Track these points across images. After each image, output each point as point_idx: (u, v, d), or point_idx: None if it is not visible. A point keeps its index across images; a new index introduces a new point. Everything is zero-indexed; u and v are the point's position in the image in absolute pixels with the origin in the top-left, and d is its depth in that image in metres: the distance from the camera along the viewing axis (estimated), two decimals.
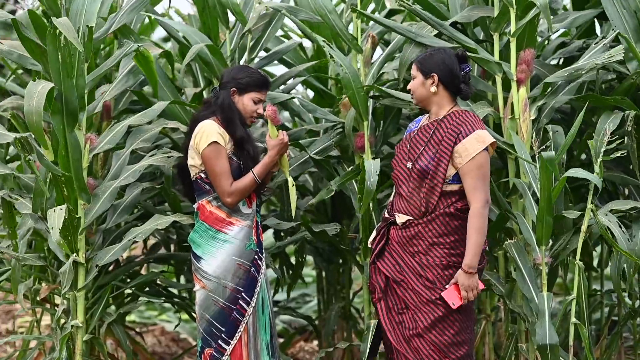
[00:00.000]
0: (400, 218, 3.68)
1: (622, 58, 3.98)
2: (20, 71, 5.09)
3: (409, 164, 3.67)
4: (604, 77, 4.48)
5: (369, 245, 3.85)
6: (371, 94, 4.36)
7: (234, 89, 3.85)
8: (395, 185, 3.76)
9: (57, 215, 3.87)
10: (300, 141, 4.50)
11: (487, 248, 3.79)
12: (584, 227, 3.87)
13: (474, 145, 3.59)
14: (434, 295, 3.62)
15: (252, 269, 3.86)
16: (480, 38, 4.48)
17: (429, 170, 3.62)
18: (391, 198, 3.84)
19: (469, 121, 3.64)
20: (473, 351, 3.75)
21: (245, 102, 3.86)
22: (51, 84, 3.87)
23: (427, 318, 3.63)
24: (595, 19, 4.72)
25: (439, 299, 3.61)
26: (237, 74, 3.87)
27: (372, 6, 5.34)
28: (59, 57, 3.89)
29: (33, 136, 3.88)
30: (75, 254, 4.14)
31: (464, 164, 3.59)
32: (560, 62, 4.70)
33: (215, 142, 3.78)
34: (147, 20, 5.00)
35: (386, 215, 3.78)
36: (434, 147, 3.64)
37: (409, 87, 3.73)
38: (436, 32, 4.28)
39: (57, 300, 4.64)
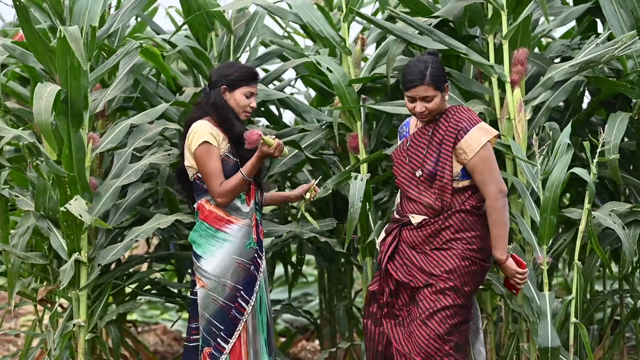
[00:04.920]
0: (416, 218, 3.66)
1: None
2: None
3: (418, 173, 3.64)
4: (599, 72, 4.46)
5: (377, 247, 3.83)
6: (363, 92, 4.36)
7: (224, 86, 3.85)
8: (402, 189, 3.72)
9: (77, 205, 3.95)
10: (292, 137, 4.49)
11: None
12: (581, 227, 3.87)
13: (477, 139, 3.57)
14: (444, 285, 3.59)
15: (252, 267, 3.86)
16: (477, 34, 4.46)
17: (436, 172, 3.60)
18: (398, 199, 3.82)
19: (466, 117, 3.62)
20: (466, 345, 3.71)
21: (237, 97, 3.86)
22: (58, 87, 3.89)
23: (431, 305, 3.60)
24: (599, 20, 4.72)
25: (448, 289, 3.59)
26: (226, 71, 3.87)
27: (371, 8, 5.34)
28: (67, 61, 3.90)
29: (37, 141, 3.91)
30: (77, 253, 4.15)
31: (469, 160, 3.57)
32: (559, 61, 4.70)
33: (207, 142, 3.78)
34: (133, 21, 5.02)
35: (397, 216, 3.75)
36: (436, 148, 3.62)
37: (420, 109, 3.59)
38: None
39: (57, 299, 4.65)
